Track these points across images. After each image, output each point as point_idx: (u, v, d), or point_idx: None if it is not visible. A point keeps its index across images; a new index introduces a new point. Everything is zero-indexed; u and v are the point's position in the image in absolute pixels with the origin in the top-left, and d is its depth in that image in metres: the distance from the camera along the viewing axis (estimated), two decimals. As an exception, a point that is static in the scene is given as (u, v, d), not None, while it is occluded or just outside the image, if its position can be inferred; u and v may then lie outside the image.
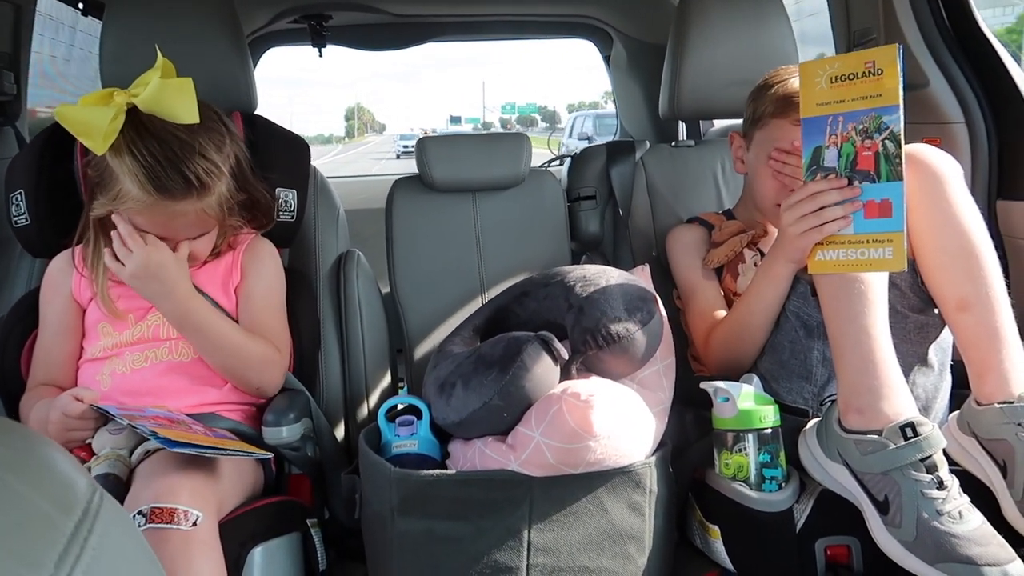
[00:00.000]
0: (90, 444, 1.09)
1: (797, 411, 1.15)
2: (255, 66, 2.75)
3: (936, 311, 1.12)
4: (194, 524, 0.93)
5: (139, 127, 1.11)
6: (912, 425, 0.95)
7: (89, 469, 1.03)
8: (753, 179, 1.39)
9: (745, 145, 1.41)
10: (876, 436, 0.97)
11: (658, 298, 1.20)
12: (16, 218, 1.30)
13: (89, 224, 1.22)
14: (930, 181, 1.08)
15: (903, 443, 0.95)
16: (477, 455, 1.07)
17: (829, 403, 1.12)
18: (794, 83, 1.28)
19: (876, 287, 1.03)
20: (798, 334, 1.16)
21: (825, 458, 1.04)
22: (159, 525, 0.91)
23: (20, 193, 1.30)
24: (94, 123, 1.08)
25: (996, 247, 1.49)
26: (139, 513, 0.92)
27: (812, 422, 1.10)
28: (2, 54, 1.57)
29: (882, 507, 0.96)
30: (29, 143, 1.39)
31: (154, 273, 1.15)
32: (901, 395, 1.00)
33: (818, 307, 1.10)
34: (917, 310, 1.13)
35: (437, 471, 1.04)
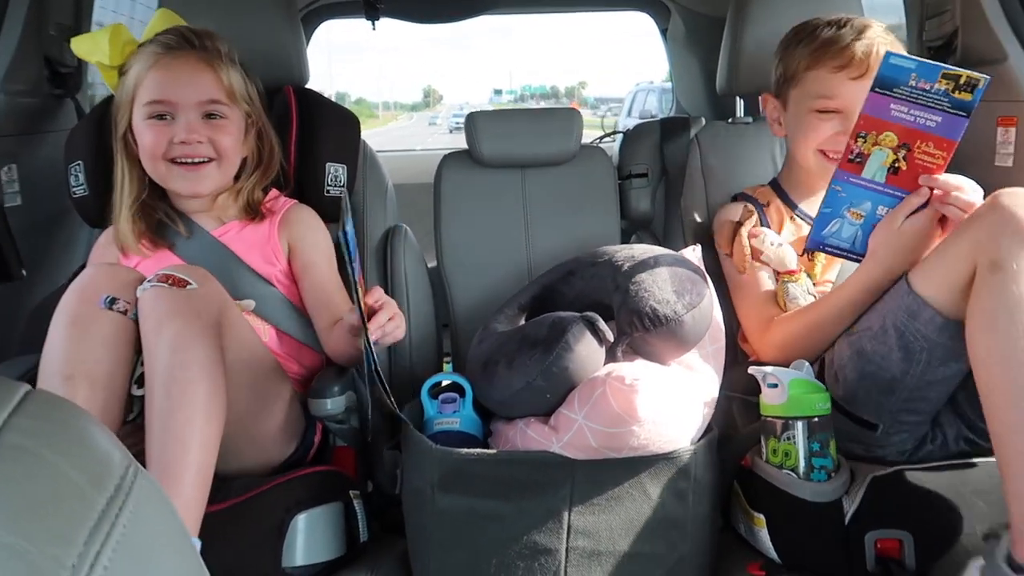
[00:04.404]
0: None
1: (865, 423, 1.09)
2: (309, 39, 2.76)
3: None
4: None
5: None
6: None
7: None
8: (794, 139, 1.35)
9: (781, 107, 1.36)
10: None
11: (708, 280, 1.17)
12: (75, 188, 1.34)
13: (119, 166, 1.25)
14: None
15: None
16: (519, 435, 1.07)
17: (994, 539, 0.93)
18: (824, 32, 1.25)
19: None
20: (893, 351, 1.04)
21: None
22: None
23: (79, 164, 1.34)
24: (99, 41, 1.23)
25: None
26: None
27: (976, 565, 0.91)
28: (64, 26, 1.60)
29: None
30: (88, 114, 1.42)
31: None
32: None
33: (938, 332, 1.00)
34: None
35: (478, 450, 1.04)
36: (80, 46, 1.29)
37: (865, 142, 1.09)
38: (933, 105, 1.05)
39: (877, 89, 1.06)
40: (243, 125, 1.27)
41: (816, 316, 1.18)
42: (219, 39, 1.25)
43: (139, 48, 1.24)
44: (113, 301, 1.03)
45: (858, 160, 1.10)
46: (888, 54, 1.05)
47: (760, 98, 1.43)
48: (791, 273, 1.26)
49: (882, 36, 1.25)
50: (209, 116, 1.22)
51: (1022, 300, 0.89)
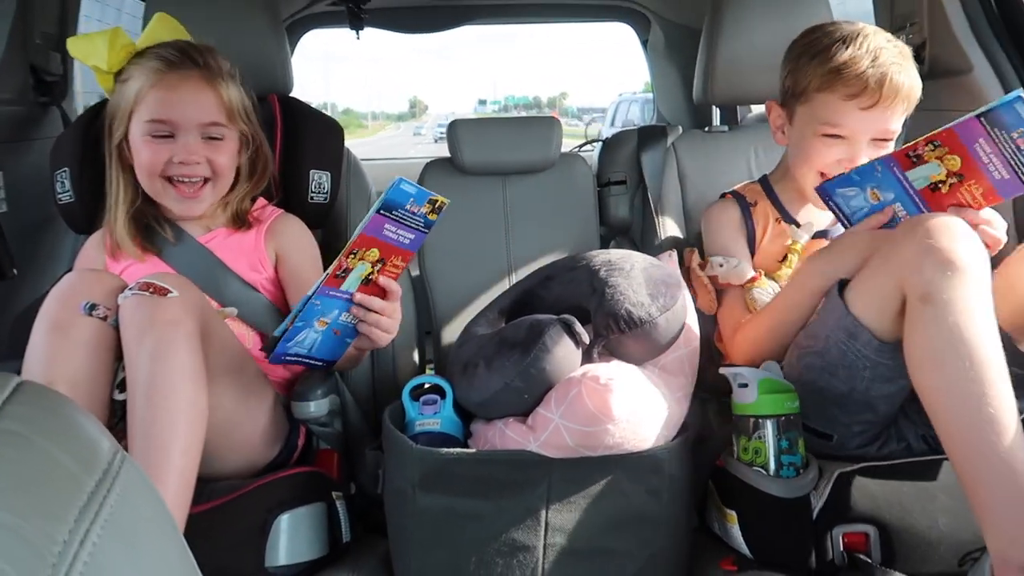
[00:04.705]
0: None
1: (820, 434, 1.12)
2: (293, 48, 2.79)
3: None
4: None
5: (142, 51, 1.25)
6: None
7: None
8: (795, 156, 1.33)
9: (786, 117, 1.34)
10: None
11: (683, 284, 1.20)
12: (60, 195, 1.35)
13: (113, 173, 1.26)
14: None
15: None
16: (497, 435, 1.09)
17: (971, 562, 0.95)
18: (839, 53, 1.21)
19: (1005, 405, 0.88)
20: (838, 369, 1.07)
21: None
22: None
23: (65, 171, 1.35)
24: (97, 45, 1.22)
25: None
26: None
27: None
28: (49, 35, 1.62)
29: None
30: (74, 122, 1.44)
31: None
32: None
33: (877, 353, 1.02)
34: None
35: (457, 449, 1.06)
36: (77, 48, 1.28)
37: (932, 152, 1.06)
38: (1014, 163, 1.01)
39: (982, 120, 1.00)
40: (238, 141, 1.29)
41: (770, 320, 1.23)
42: (221, 56, 1.26)
43: (139, 57, 1.24)
44: (93, 307, 1.05)
45: (913, 159, 1.08)
46: (1018, 97, 0.98)
47: (765, 104, 1.41)
48: (752, 281, 1.31)
49: (897, 61, 1.21)
50: (208, 137, 1.24)
51: (957, 331, 0.90)
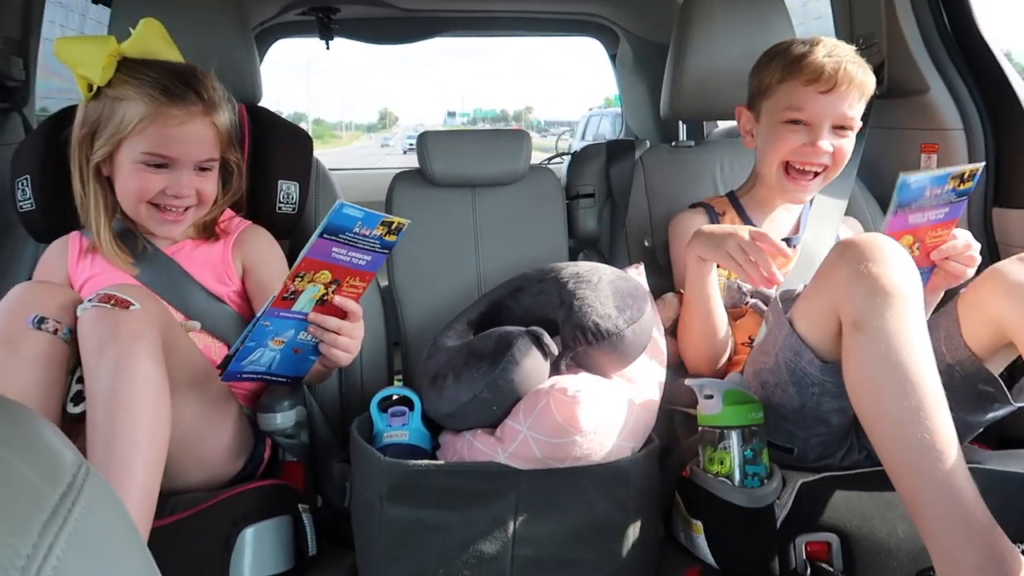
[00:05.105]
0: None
1: (781, 448, 1.14)
2: (262, 57, 2.77)
3: None
4: None
5: (134, 63, 1.19)
6: None
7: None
8: (762, 150, 1.41)
9: (753, 118, 1.42)
10: None
11: (650, 296, 1.22)
12: (21, 203, 1.33)
13: (88, 183, 1.22)
14: None
15: None
16: (466, 447, 1.09)
17: None
18: (798, 50, 1.33)
19: (943, 430, 0.88)
20: (788, 386, 1.09)
21: None
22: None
23: (26, 178, 1.33)
24: (92, 55, 1.17)
25: (991, 254, 1.51)
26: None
27: None
28: (10, 40, 1.59)
29: None
30: (35, 129, 1.41)
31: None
32: (1014, 561, 0.83)
33: (821, 372, 1.04)
34: None
35: (425, 461, 1.06)
36: (67, 53, 1.20)
37: (915, 250, 1.14)
38: (943, 203, 1.12)
39: (898, 211, 1.10)
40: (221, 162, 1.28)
41: (688, 315, 1.31)
42: (216, 82, 1.23)
43: (132, 75, 1.18)
44: (42, 320, 1.02)
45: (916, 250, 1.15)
46: (905, 179, 1.06)
47: (735, 110, 1.48)
48: (682, 299, 1.38)
49: (851, 57, 1.32)
50: (200, 168, 1.22)
51: (892, 358, 0.91)
